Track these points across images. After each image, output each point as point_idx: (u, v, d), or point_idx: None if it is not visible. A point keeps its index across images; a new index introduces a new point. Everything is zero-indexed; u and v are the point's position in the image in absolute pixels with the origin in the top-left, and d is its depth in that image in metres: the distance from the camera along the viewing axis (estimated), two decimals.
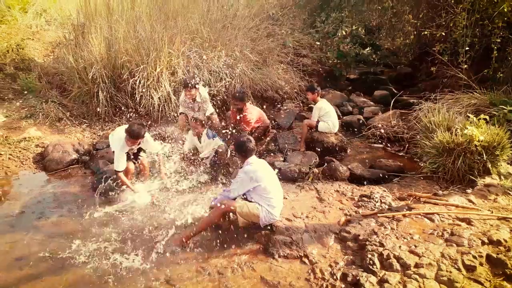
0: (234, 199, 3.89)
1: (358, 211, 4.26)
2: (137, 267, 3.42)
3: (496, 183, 4.57)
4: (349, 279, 3.14)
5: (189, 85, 5.58)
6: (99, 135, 6.48)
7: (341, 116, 7.97)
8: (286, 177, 5.14)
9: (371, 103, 8.92)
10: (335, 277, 3.20)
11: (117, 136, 4.59)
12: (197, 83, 5.69)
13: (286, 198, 4.60)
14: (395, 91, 9.30)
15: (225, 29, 7.97)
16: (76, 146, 5.87)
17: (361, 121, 7.47)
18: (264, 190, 3.77)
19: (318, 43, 9.95)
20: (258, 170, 3.79)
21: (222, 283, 3.20)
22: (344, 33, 9.60)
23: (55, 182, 5.22)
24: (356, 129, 7.32)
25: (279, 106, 8.14)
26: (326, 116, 6.19)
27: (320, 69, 10.39)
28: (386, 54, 12.32)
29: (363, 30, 10.43)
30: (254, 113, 5.99)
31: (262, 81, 7.77)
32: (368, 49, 11.28)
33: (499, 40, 7.30)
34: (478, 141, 4.65)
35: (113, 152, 4.63)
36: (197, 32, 7.36)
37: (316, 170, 5.38)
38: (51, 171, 5.46)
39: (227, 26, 8.14)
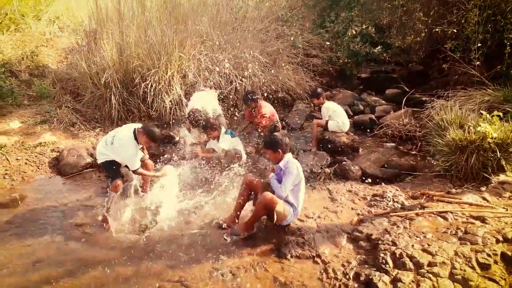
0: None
1: (370, 211, 4.25)
2: (151, 268, 3.47)
3: (511, 180, 4.49)
4: (362, 278, 3.14)
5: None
6: None
7: (352, 115, 7.95)
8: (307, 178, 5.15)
9: (383, 101, 8.86)
10: (347, 276, 3.20)
11: (125, 138, 4.31)
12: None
13: None
14: (407, 89, 9.22)
15: (234, 32, 8.03)
16: (90, 150, 5.97)
17: (373, 120, 7.44)
18: (299, 187, 3.85)
19: (328, 43, 9.92)
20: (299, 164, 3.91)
21: (236, 283, 3.23)
22: (354, 32, 9.55)
23: (70, 186, 5.32)
24: (367, 128, 7.28)
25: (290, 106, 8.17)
26: (334, 115, 6.23)
27: (331, 68, 10.36)
28: (397, 52, 12.21)
29: (373, 29, 10.36)
30: (268, 107, 6.16)
31: (272, 82, 7.80)
32: (379, 47, 11.20)
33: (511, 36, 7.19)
34: (492, 138, 4.60)
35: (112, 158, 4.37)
36: (207, 35, 7.42)
37: (327, 170, 5.38)
38: (66, 175, 5.56)
39: (236, 28, 8.19)
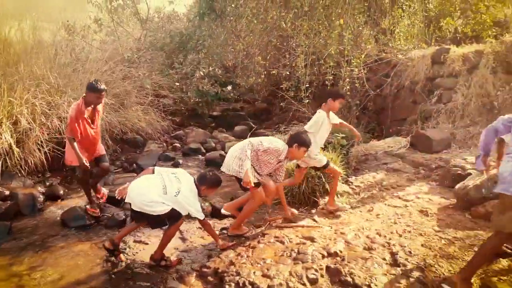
0: None
1: (217, 245, 4.42)
2: None
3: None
4: None
5: None
6: None
7: (204, 152, 8.26)
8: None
9: (232, 138, 9.44)
10: None
11: (190, 191, 3.97)
12: None
13: (148, 244, 4.55)
14: (253, 125, 10.04)
15: (76, 73, 7.66)
16: None
17: (223, 156, 7.81)
18: None
19: (178, 83, 10.23)
20: None
21: None
22: (201, 73, 10.09)
23: None
24: (219, 165, 7.58)
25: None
26: None
27: (183, 108, 10.65)
28: (244, 91, 13.26)
29: (219, 70, 11.11)
30: None
31: (120, 123, 7.62)
32: (229, 87, 11.99)
33: (331, 77, 8.51)
34: None
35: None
36: (43, 78, 6.90)
37: None
38: None
39: (78, 70, 7.84)
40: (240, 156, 4.31)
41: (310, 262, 3.76)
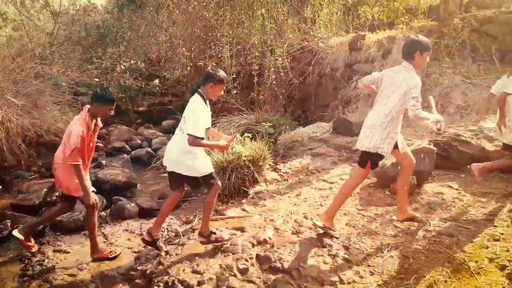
0: None
1: (147, 247, 4.26)
2: None
3: (264, 189, 5.31)
4: None
5: None
6: None
7: (130, 151, 7.93)
8: (69, 229, 4.73)
9: (160, 133, 9.16)
10: None
11: (194, 100, 3.71)
12: None
13: (69, 252, 4.26)
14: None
15: None
16: None
17: (149, 153, 7.56)
18: None
19: (97, 79, 9.66)
20: None
21: None
22: (123, 67, 9.62)
23: None
24: (145, 162, 7.34)
25: None
26: None
27: None
28: (171, 84, 12.88)
29: (143, 64, 10.67)
30: None
31: (34, 126, 7.02)
32: (156, 81, 11.57)
33: (257, 67, 8.55)
34: (245, 156, 5.34)
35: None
36: None
37: (103, 213, 5.16)
38: None
39: None
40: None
41: (240, 253, 3.76)
